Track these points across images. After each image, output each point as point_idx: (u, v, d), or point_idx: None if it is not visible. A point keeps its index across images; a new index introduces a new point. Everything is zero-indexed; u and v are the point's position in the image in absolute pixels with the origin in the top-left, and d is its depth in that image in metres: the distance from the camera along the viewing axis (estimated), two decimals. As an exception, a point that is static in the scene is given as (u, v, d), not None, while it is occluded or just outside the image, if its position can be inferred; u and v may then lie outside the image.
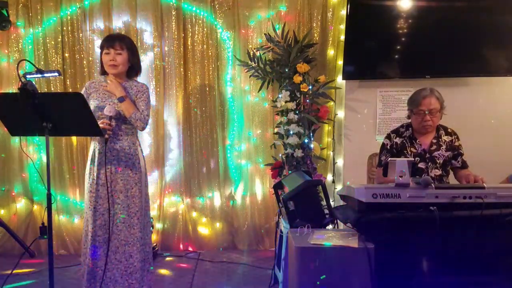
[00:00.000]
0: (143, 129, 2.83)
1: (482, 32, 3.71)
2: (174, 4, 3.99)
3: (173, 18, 4.00)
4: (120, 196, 2.76)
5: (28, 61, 2.64)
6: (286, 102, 3.68)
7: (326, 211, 2.93)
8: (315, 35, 4.01)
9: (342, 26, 3.92)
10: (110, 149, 2.75)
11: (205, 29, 4.03)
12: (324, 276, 2.09)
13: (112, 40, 2.76)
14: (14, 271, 3.26)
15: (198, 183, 4.17)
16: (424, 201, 2.13)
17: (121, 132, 2.77)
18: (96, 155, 2.76)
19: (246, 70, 3.87)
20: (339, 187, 4.06)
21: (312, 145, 3.75)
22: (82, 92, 2.81)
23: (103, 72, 2.84)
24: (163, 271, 3.66)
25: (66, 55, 3.99)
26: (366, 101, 4.00)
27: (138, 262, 2.78)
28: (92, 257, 2.74)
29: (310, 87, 3.70)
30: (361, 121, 4.02)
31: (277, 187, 3.15)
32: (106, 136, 2.68)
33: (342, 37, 3.93)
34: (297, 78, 3.64)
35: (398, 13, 3.69)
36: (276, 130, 3.91)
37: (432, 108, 2.79)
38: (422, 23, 3.70)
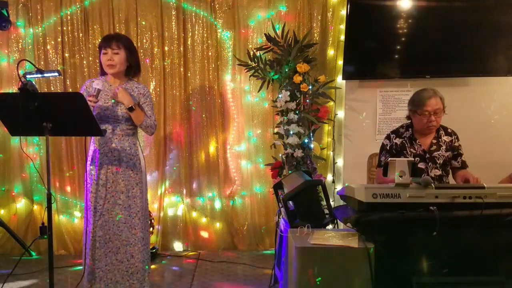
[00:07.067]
0: (152, 134, 2.85)
1: (482, 32, 3.71)
2: (174, 4, 3.99)
3: (173, 18, 4.00)
4: (121, 197, 2.76)
5: (28, 61, 2.64)
6: (286, 102, 3.68)
7: (326, 211, 2.93)
8: (315, 35, 4.01)
9: (342, 26, 3.91)
10: (111, 150, 2.75)
11: (205, 29, 4.03)
12: (324, 276, 2.09)
13: (109, 40, 2.75)
14: (14, 271, 3.26)
15: (198, 183, 4.17)
16: (424, 201, 2.13)
17: (122, 133, 2.77)
18: (97, 155, 2.76)
19: (246, 70, 3.86)
20: (339, 187, 4.06)
21: (312, 145, 3.75)
22: (82, 90, 2.81)
23: (103, 73, 2.84)
24: (163, 271, 3.66)
25: (66, 55, 3.99)
26: (366, 101, 3.99)
27: (140, 262, 2.78)
28: (93, 258, 2.74)
29: (310, 87, 3.70)
30: (361, 121, 4.02)
31: (277, 187, 3.14)
32: (93, 104, 2.60)
33: (342, 37, 3.92)
34: (297, 78, 3.63)
35: (398, 13, 3.69)
36: (276, 130, 3.91)
37: (436, 108, 2.79)
38: (422, 23, 3.70)
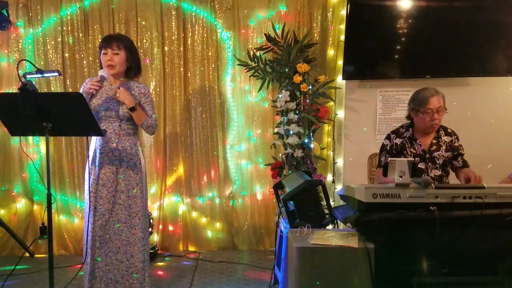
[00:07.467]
0: (153, 133, 2.86)
1: (482, 32, 3.71)
2: (174, 4, 3.99)
3: (173, 18, 4.00)
4: (121, 197, 2.76)
5: (28, 61, 2.65)
6: (286, 102, 3.68)
7: (326, 211, 2.93)
8: (315, 35, 4.01)
9: (342, 26, 3.91)
10: (112, 150, 2.75)
11: (205, 29, 4.03)
12: (324, 276, 2.09)
13: (109, 40, 2.75)
14: (14, 271, 3.26)
15: (198, 183, 4.17)
16: (424, 201, 2.12)
17: (123, 133, 2.78)
18: (97, 155, 2.76)
19: (246, 70, 3.86)
20: (339, 187, 4.06)
21: (312, 145, 3.75)
22: (82, 88, 2.81)
23: (103, 73, 2.84)
24: (163, 271, 3.66)
25: (66, 55, 3.99)
26: (366, 101, 4.00)
27: (140, 262, 2.78)
28: (93, 257, 2.74)
29: (310, 87, 3.70)
30: (361, 121, 4.01)
31: (277, 187, 3.15)
32: (93, 90, 2.68)
33: (342, 37, 3.92)
34: (297, 78, 3.63)
35: (398, 13, 3.69)
36: (276, 130, 3.91)
37: (439, 106, 2.79)
38: (422, 23, 3.70)
